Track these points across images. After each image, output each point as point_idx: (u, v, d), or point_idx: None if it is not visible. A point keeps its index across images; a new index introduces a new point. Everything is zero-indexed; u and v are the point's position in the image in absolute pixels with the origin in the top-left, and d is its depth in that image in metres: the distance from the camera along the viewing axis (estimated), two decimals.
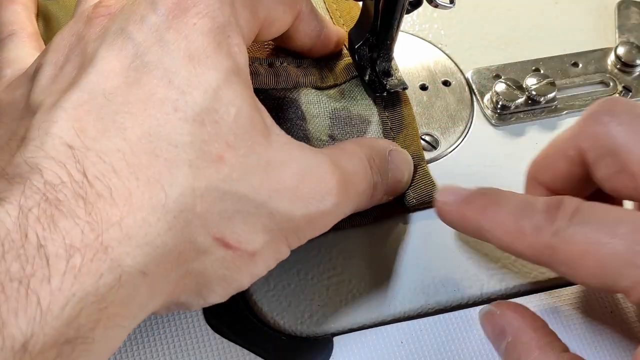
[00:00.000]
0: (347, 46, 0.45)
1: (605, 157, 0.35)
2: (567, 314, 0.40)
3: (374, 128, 0.44)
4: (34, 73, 0.34)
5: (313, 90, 0.43)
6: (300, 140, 0.37)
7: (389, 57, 0.44)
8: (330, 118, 0.43)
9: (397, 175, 0.40)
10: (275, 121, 0.38)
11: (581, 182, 0.38)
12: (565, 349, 0.35)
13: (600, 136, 0.35)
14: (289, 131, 0.41)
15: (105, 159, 0.28)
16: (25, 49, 0.41)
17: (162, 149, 0.29)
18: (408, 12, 0.42)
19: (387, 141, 0.41)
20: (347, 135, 0.43)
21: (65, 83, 0.31)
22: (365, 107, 0.44)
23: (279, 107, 0.42)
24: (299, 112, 0.42)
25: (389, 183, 0.39)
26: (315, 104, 0.43)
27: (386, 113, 0.44)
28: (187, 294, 0.32)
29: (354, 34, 0.44)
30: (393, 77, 0.44)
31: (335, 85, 0.44)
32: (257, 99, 0.33)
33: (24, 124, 0.31)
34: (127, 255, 0.28)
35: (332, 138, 0.42)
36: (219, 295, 0.33)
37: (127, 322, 0.29)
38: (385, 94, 0.44)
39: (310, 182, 0.33)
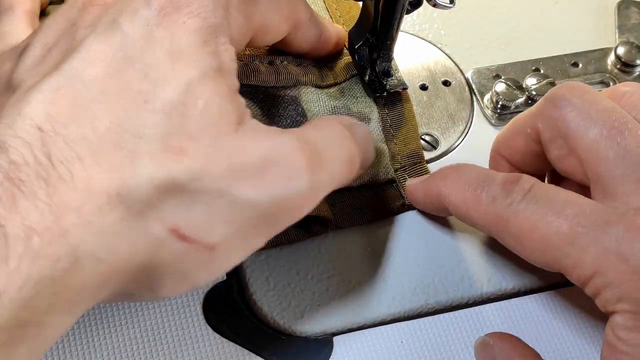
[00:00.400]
0: (347, 46, 0.45)
1: (558, 139, 0.38)
2: (567, 314, 0.40)
3: (374, 125, 0.44)
4: (21, 51, 0.34)
5: (313, 89, 0.43)
6: None
7: (389, 57, 0.44)
8: (330, 115, 0.43)
9: (366, 147, 0.39)
10: (275, 118, 0.38)
11: (539, 159, 0.40)
12: None
13: (554, 119, 0.37)
14: (289, 127, 0.41)
15: (72, 145, 0.29)
16: (19, 26, 0.41)
17: (127, 140, 0.30)
18: (408, 12, 0.42)
19: (347, 117, 0.40)
20: None
21: (48, 66, 0.32)
22: (365, 105, 0.44)
23: (279, 104, 0.42)
24: (300, 109, 0.42)
25: (360, 155, 0.38)
26: (315, 102, 0.43)
27: (386, 110, 0.44)
28: (138, 286, 0.31)
29: (354, 34, 0.44)
30: (393, 77, 0.44)
31: (335, 84, 0.44)
32: (236, 94, 0.33)
33: (1, 100, 0.31)
34: (84, 241, 0.28)
35: None
36: (170, 290, 0.32)
37: (78, 309, 0.29)
38: (385, 94, 0.44)
39: (275, 164, 0.32)
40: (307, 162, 0.32)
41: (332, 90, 0.44)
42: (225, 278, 0.40)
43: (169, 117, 0.30)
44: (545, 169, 0.39)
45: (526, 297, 0.40)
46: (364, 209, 0.42)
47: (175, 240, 0.30)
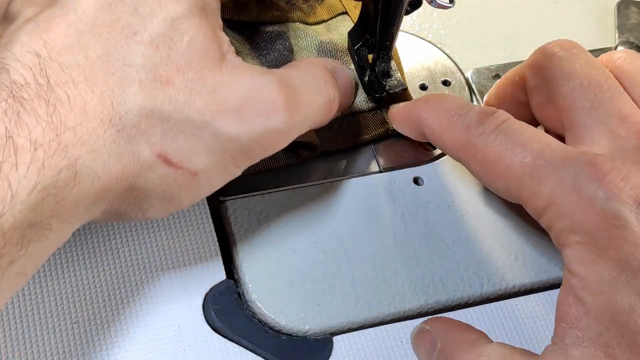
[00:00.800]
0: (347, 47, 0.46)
1: (541, 87, 0.41)
2: None
3: None
4: None
5: (301, 25, 0.46)
6: None
7: (388, 58, 0.44)
8: (317, 50, 0.45)
9: (346, 91, 0.42)
10: (263, 52, 0.43)
11: (523, 108, 0.42)
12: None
13: (542, 67, 0.40)
14: (274, 61, 0.44)
15: (66, 71, 0.31)
16: None
17: (118, 68, 0.32)
18: (407, 13, 0.42)
19: (331, 60, 0.43)
20: None
21: (43, 4, 0.34)
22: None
23: (268, 39, 0.45)
24: (287, 43, 0.45)
25: (340, 100, 0.41)
26: (303, 38, 0.45)
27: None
28: (127, 206, 0.34)
29: (353, 35, 0.44)
30: (392, 78, 0.45)
31: (322, 21, 0.47)
32: (220, 32, 0.36)
33: (1, 28, 0.34)
34: (81, 157, 0.30)
35: None
36: (157, 211, 0.35)
37: (75, 220, 0.31)
38: (384, 94, 0.44)
39: (255, 102, 0.35)
40: (284, 101, 0.35)
41: (319, 27, 0.46)
42: (225, 278, 0.40)
43: (156, 49, 0.33)
44: (527, 120, 0.40)
45: (526, 297, 0.40)
46: (348, 134, 0.44)
47: (162, 165, 0.33)
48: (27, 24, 0.32)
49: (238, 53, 0.41)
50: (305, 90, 0.37)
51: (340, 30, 0.47)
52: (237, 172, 0.36)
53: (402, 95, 0.45)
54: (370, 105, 0.45)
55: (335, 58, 0.45)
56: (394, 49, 0.46)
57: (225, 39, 0.36)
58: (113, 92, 0.32)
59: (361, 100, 0.45)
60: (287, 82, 0.36)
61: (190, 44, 0.34)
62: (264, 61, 0.44)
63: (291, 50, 0.44)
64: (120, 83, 0.32)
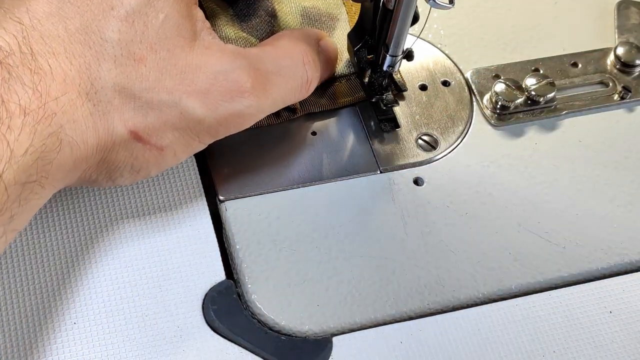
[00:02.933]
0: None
1: None
2: (566, 314, 0.40)
3: (342, 25, 0.46)
4: None
5: None
6: (268, 35, 0.42)
7: (385, 73, 0.44)
8: (301, 15, 0.46)
9: (328, 64, 0.44)
10: (245, 18, 0.43)
11: None
12: None
13: None
14: (256, 26, 0.44)
15: (47, 41, 0.33)
16: None
17: (95, 41, 0.34)
18: None
19: (316, 31, 0.44)
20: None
21: None
22: (334, 7, 0.47)
23: (251, 4, 0.45)
24: (270, 9, 0.45)
25: (321, 72, 0.42)
26: (286, 3, 0.46)
27: (353, 8, 0.46)
28: (98, 174, 0.36)
29: (353, 37, 0.44)
30: (389, 94, 0.45)
31: None
32: (195, 9, 0.37)
33: None
34: (63, 126, 0.32)
35: None
36: (126, 180, 0.37)
37: (57, 183, 0.33)
38: (383, 96, 0.44)
39: (221, 85, 0.36)
40: (251, 86, 0.37)
41: None
42: (225, 278, 0.40)
43: (131, 25, 0.34)
44: None
45: (525, 297, 0.40)
46: (330, 97, 0.45)
47: (133, 141, 0.35)
48: None
49: (218, 19, 0.42)
50: (278, 74, 0.38)
51: None
52: (201, 147, 0.38)
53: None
54: (352, 69, 0.46)
55: (319, 24, 0.46)
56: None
57: (199, 15, 0.37)
58: (90, 66, 0.33)
59: (343, 65, 0.46)
60: (258, 65, 0.37)
61: (164, 22, 0.35)
62: (244, 27, 0.44)
63: (274, 16, 0.45)
64: (97, 57, 0.34)
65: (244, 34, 0.44)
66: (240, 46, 0.43)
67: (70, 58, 0.33)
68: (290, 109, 0.44)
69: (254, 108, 0.37)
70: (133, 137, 0.35)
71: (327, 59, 0.43)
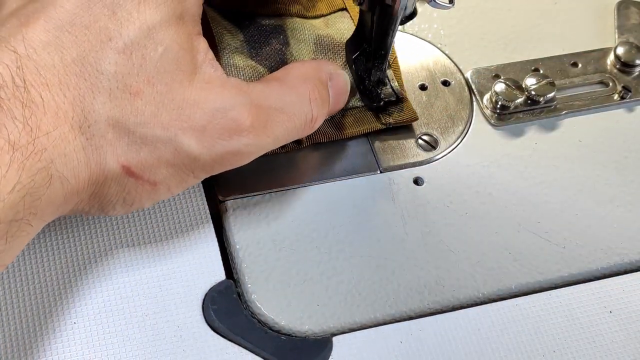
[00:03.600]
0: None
1: None
2: (566, 314, 0.40)
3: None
4: None
5: (299, 19, 0.45)
6: (278, 64, 0.41)
7: (383, 67, 0.44)
8: (314, 44, 0.45)
9: (338, 99, 0.42)
10: (256, 45, 0.43)
11: None
12: None
13: None
14: (266, 55, 0.43)
15: (42, 72, 0.32)
16: None
17: (90, 73, 0.33)
18: (402, 23, 0.42)
19: (328, 64, 0.42)
20: (330, 60, 0.45)
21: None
22: (348, 37, 0.45)
23: (263, 32, 0.44)
24: (282, 37, 0.44)
25: (330, 109, 0.41)
26: (300, 31, 0.45)
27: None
28: (90, 207, 0.35)
29: (351, 44, 0.44)
30: (387, 87, 0.45)
31: (321, 16, 0.46)
32: (197, 41, 0.36)
33: None
34: (54, 162, 0.31)
35: None
36: (119, 211, 0.36)
37: (47, 217, 0.33)
38: (381, 103, 0.44)
39: (219, 123, 0.35)
40: (250, 125, 0.35)
41: (317, 21, 0.46)
42: (225, 278, 0.40)
43: (129, 58, 0.33)
44: None
45: (525, 297, 0.40)
46: (338, 127, 0.44)
47: (125, 176, 0.34)
48: (10, 19, 0.33)
49: (226, 46, 0.41)
50: (281, 111, 0.37)
51: (338, 26, 0.47)
52: (196, 182, 0.37)
53: (399, 103, 0.45)
54: (362, 102, 0.45)
55: (333, 53, 0.45)
56: (393, 57, 0.46)
57: (202, 46, 0.36)
58: (84, 98, 0.32)
59: (355, 98, 0.45)
60: (260, 103, 0.36)
61: (163, 55, 0.34)
62: (254, 55, 0.43)
63: (287, 44, 0.44)
64: (92, 90, 0.33)
65: (252, 63, 0.43)
66: (247, 75, 0.42)
67: (64, 90, 0.32)
68: (296, 140, 0.43)
69: (252, 146, 0.36)
70: (125, 172, 0.34)
71: (338, 93, 0.42)
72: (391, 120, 0.45)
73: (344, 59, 0.45)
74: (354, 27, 0.46)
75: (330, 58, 0.45)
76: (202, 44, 0.36)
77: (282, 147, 0.42)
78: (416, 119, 0.45)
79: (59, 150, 0.31)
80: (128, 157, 0.34)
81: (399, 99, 0.45)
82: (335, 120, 0.44)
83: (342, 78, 0.42)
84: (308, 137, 0.43)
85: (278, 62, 0.43)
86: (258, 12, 0.45)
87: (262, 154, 0.37)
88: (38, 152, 0.31)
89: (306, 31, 0.45)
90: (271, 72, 0.43)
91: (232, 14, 0.44)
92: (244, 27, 0.44)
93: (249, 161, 0.37)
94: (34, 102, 0.31)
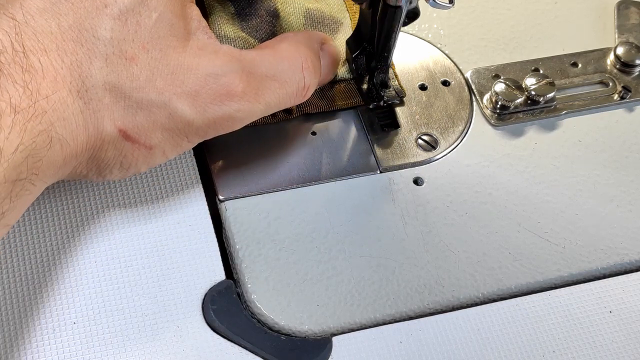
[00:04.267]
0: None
1: None
2: (566, 314, 0.40)
3: (345, 29, 0.46)
4: None
5: None
6: (268, 35, 0.42)
7: (386, 69, 0.44)
8: (304, 17, 0.45)
9: (329, 69, 0.43)
10: (246, 17, 0.43)
11: None
12: None
13: None
14: (256, 27, 0.44)
15: (40, 38, 0.33)
16: None
17: (87, 39, 0.34)
18: (405, 24, 0.42)
19: (319, 34, 0.43)
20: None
21: None
22: (338, 10, 0.46)
23: (253, 3, 0.45)
24: (272, 9, 0.45)
25: (321, 78, 0.42)
26: (290, 4, 0.45)
27: (356, 15, 0.46)
28: (88, 171, 0.36)
29: (351, 43, 0.44)
30: (390, 89, 0.45)
31: None
32: (190, 8, 0.36)
33: None
34: (53, 124, 0.32)
35: None
36: (116, 176, 0.37)
37: (48, 179, 0.33)
38: (382, 103, 0.44)
39: (211, 88, 0.36)
40: (242, 90, 0.36)
41: None
42: (224, 278, 0.40)
43: (124, 24, 0.34)
44: None
45: (525, 297, 0.40)
46: (329, 98, 0.45)
47: (122, 140, 0.35)
48: None
49: (217, 17, 0.42)
50: (273, 78, 0.38)
51: (328, 0, 0.47)
52: (190, 146, 0.38)
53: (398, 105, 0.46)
54: (351, 75, 0.45)
55: (323, 26, 0.46)
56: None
57: (195, 14, 0.37)
58: (81, 64, 0.33)
59: (345, 69, 0.46)
60: (252, 69, 0.37)
61: (157, 21, 0.35)
62: (244, 26, 0.44)
63: (277, 16, 0.45)
64: (88, 55, 0.33)
65: (243, 34, 0.44)
66: (238, 46, 0.43)
67: (62, 55, 0.33)
68: (286, 110, 0.44)
69: (243, 112, 0.37)
70: (122, 136, 0.35)
71: (329, 63, 0.43)
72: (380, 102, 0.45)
73: (333, 31, 0.46)
74: (344, 3, 0.47)
75: (320, 31, 0.45)
76: (195, 11, 0.37)
77: (273, 116, 0.43)
78: (404, 95, 0.46)
79: (58, 114, 0.32)
80: (124, 121, 0.35)
81: (402, 100, 0.45)
82: (325, 92, 0.45)
83: (333, 48, 0.43)
84: (298, 107, 0.44)
85: (268, 33, 0.44)
86: None
87: (254, 119, 0.38)
88: (38, 115, 0.31)
89: (296, 4, 0.46)
90: (262, 43, 0.43)
91: None
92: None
93: (241, 126, 0.38)
94: (33, 67, 0.32)
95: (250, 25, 0.44)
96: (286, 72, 0.39)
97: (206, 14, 0.43)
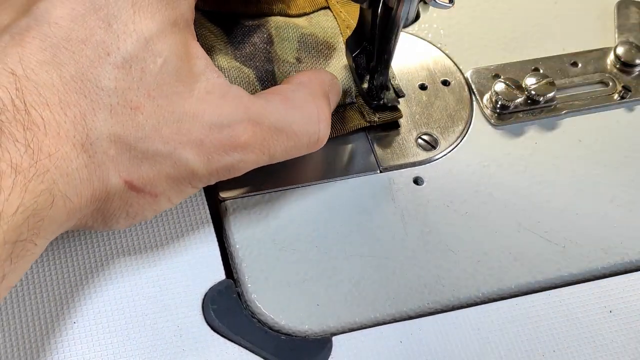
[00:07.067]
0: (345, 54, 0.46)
1: None
2: (566, 314, 0.40)
3: (339, 54, 0.46)
4: None
5: (282, 18, 0.46)
6: (263, 63, 0.42)
7: (386, 71, 0.44)
8: (298, 42, 0.45)
9: (334, 106, 0.42)
10: (239, 46, 0.43)
11: None
12: None
13: None
14: (251, 55, 0.44)
15: (41, 92, 0.31)
16: None
17: (90, 90, 0.32)
18: (405, 26, 0.42)
19: (326, 74, 0.42)
20: (314, 58, 0.45)
21: (19, 4, 0.34)
22: (332, 35, 0.46)
23: (246, 32, 0.44)
24: (265, 36, 0.44)
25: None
26: (284, 29, 0.45)
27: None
28: (94, 222, 0.35)
29: (351, 43, 0.44)
30: (390, 92, 0.45)
31: (304, 14, 0.47)
32: (194, 47, 0.35)
33: None
34: (56, 182, 0.31)
35: (299, 61, 0.45)
36: (122, 225, 0.36)
37: (50, 236, 0.32)
38: (381, 102, 0.44)
39: (215, 138, 0.35)
40: (246, 141, 0.35)
41: (300, 20, 0.46)
42: (225, 278, 0.40)
43: (128, 72, 0.33)
44: None
45: (525, 297, 0.40)
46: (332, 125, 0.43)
47: (128, 190, 0.34)
48: (3, 36, 0.32)
49: (211, 47, 0.41)
50: (282, 131, 0.37)
51: (322, 24, 0.47)
52: (194, 191, 0.37)
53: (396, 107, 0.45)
54: (349, 100, 0.45)
55: (317, 52, 0.45)
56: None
57: (200, 52, 0.35)
58: (85, 116, 0.32)
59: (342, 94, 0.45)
60: (259, 119, 0.36)
61: (163, 67, 0.34)
62: (238, 55, 0.44)
63: (271, 43, 0.44)
64: (92, 107, 0.32)
65: (237, 64, 0.43)
66: (234, 76, 0.42)
67: (65, 109, 0.32)
68: None
69: (246, 163, 0.36)
70: (128, 187, 0.34)
71: (334, 101, 0.42)
72: (375, 119, 0.45)
73: (327, 57, 0.46)
74: (337, 26, 0.46)
75: (314, 56, 0.45)
76: (199, 49, 0.36)
77: None
78: (400, 116, 0.45)
79: (61, 171, 0.31)
80: (130, 172, 0.34)
81: (400, 95, 0.45)
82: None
83: (338, 84, 0.42)
84: None
85: (263, 61, 0.44)
86: (241, 12, 0.45)
87: (256, 167, 0.37)
88: (40, 174, 0.30)
89: (290, 30, 0.45)
90: (257, 72, 0.43)
91: (214, 15, 0.45)
92: (227, 28, 0.44)
93: (242, 173, 0.37)
94: (35, 124, 0.31)
95: (244, 54, 0.44)
96: (297, 124, 0.37)
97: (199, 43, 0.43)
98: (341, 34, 0.46)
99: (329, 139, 0.41)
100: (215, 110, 0.35)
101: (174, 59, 0.34)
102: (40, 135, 0.31)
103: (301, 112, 0.38)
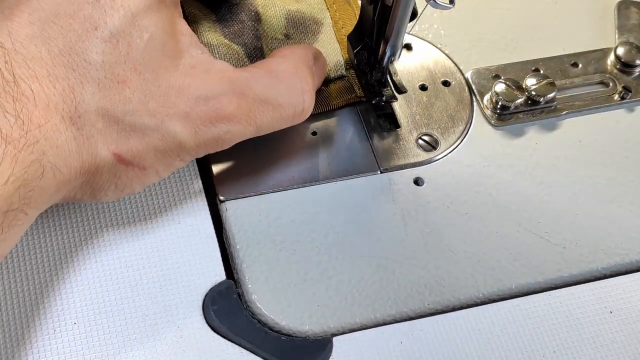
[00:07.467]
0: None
1: None
2: (566, 315, 0.40)
3: (326, 29, 0.46)
4: None
5: None
6: (251, 40, 0.42)
7: (383, 68, 0.44)
8: (285, 19, 0.45)
9: (319, 81, 0.43)
10: (227, 23, 0.43)
11: None
12: None
13: None
14: (239, 32, 0.44)
15: (30, 65, 0.32)
16: None
17: (78, 63, 0.33)
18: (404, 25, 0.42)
19: (313, 50, 0.42)
20: (302, 34, 0.46)
21: None
22: (318, 10, 0.47)
23: (234, 10, 0.45)
24: (253, 13, 0.45)
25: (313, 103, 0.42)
26: (271, 7, 0.45)
27: (337, 13, 0.47)
28: (83, 194, 0.36)
29: (353, 39, 0.44)
30: (387, 89, 0.45)
31: None
32: (180, 23, 0.36)
33: None
34: (46, 153, 0.31)
35: (288, 37, 0.45)
36: (111, 197, 0.37)
37: (40, 206, 0.33)
38: (383, 98, 0.44)
39: (200, 110, 0.35)
40: (231, 112, 0.36)
41: None
42: (225, 278, 0.40)
43: (115, 46, 0.34)
44: None
45: (525, 298, 0.40)
46: (319, 102, 0.44)
47: (116, 163, 0.35)
48: None
49: (199, 25, 0.41)
50: (267, 102, 0.38)
51: (309, 1, 0.47)
52: (182, 164, 0.38)
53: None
54: (339, 73, 0.45)
55: (304, 27, 0.46)
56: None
57: (185, 29, 0.36)
58: (73, 89, 0.33)
59: (331, 69, 0.46)
60: (244, 91, 0.37)
61: (149, 42, 0.34)
62: (226, 32, 0.44)
63: (258, 20, 0.45)
64: (80, 80, 0.33)
65: (225, 41, 0.44)
66: (223, 53, 0.43)
67: (54, 81, 0.32)
68: None
69: (233, 134, 0.37)
70: (117, 159, 0.35)
71: (320, 76, 0.43)
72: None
73: (315, 33, 0.46)
74: (324, 2, 0.47)
75: (302, 32, 0.46)
76: (185, 26, 0.36)
77: None
78: (405, 91, 0.45)
79: (50, 142, 0.32)
80: (118, 145, 0.34)
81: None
82: (319, 94, 0.45)
83: (322, 58, 0.43)
84: None
85: (251, 38, 0.44)
86: None
87: (245, 139, 0.38)
88: (30, 144, 0.31)
89: (276, 7, 0.46)
90: (245, 48, 0.44)
91: None
92: (215, 6, 0.45)
93: (231, 145, 0.38)
94: (25, 95, 0.31)
95: (232, 31, 0.44)
96: (282, 96, 0.38)
97: (189, 22, 0.43)
98: (327, 9, 0.47)
99: (328, 138, 0.41)
100: (201, 84, 0.36)
101: (160, 35, 0.35)
102: (30, 107, 0.31)
103: (285, 83, 0.39)
